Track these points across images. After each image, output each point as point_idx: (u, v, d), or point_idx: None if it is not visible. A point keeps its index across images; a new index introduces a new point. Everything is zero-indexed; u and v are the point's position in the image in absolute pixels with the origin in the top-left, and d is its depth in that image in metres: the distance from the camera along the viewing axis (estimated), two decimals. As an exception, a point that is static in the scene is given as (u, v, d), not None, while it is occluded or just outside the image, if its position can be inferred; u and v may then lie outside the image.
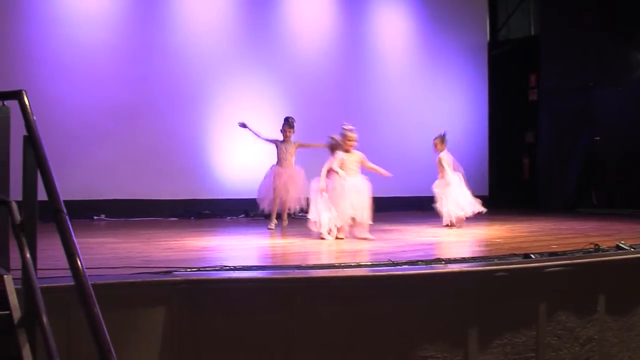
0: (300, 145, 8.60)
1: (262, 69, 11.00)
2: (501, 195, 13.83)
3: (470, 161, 13.29)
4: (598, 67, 12.62)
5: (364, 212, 7.34)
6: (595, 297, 5.55)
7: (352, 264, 5.30)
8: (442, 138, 9.52)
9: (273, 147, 8.66)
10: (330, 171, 7.47)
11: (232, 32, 10.92)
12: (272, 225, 8.45)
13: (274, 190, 8.41)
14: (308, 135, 8.60)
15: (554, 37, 13.20)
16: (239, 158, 10.69)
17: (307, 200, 7.82)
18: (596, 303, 5.54)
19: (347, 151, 7.56)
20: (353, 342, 4.57)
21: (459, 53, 13.39)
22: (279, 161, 8.55)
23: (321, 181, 7.37)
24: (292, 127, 8.52)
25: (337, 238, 7.31)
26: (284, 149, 8.52)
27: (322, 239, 7.24)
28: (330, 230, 7.34)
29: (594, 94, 12.75)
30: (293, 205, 8.47)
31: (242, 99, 10.77)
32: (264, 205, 8.57)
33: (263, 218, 10.07)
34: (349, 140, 7.53)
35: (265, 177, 8.57)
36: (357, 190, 7.38)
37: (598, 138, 12.69)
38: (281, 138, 8.59)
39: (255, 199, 10.36)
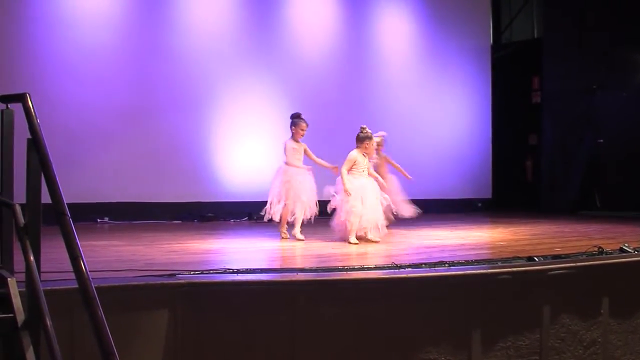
0: (306, 152, 7.83)
1: (265, 71, 11.00)
2: (504, 197, 13.84)
3: (473, 163, 13.33)
4: (601, 70, 12.60)
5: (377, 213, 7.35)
6: (599, 299, 5.55)
7: (356, 267, 5.29)
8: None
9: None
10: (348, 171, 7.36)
11: (236, 35, 10.92)
12: (286, 233, 7.72)
13: (289, 193, 7.59)
14: (310, 137, 8.47)
15: (557, 39, 13.18)
16: (242, 161, 10.71)
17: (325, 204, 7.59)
18: (600, 306, 5.54)
19: (368, 153, 7.53)
20: (356, 344, 4.57)
21: (462, 55, 13.39)
22: (294, 161, 7.72)
23: (345, 183, 7.22)
24: (307, 123, 7.82)
25: (373, 241, 7.26)
26: (298, 149, 7.76)
27: (350, 243, 7.17)
28: (364, 230, 7.29)
29: (597, 97, 12.73)
30: (311, 210, 7.66)
31: (246, 101, 10.79)
32: (275, 213, 7.59)
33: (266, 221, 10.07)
34: (369, 145, 7.46)
35: (278, 180, 7.71)
36: (374, 191, 7.39)
37: (601, 140, 12.67)
38: (288, 136, 7.85)
39: (257, 201, 10.41)
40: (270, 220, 7.64)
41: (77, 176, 8.96)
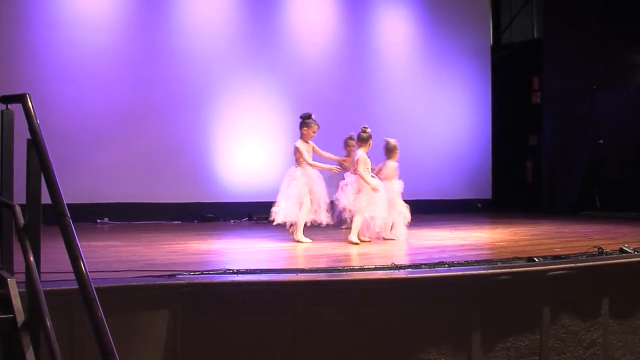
0: (315, 149, 7.64)
1: (265, 72, 11.00)
2: (504, 198, 13.84)
3: (473, 164, 13.32)
4: (601, 70, 12.60)
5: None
6: (599, 300, 5.54)
7: (356, 268, 5.29)
8: None
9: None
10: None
11: (235, 35, 10.93)
12: (306, 238, 7.40)
13: (310, 196, 7.36)
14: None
15: (557, 39, 13.19)
16: (242, 161, 10.71)
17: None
18: (600, 306, 5.54)
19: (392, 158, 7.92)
20: (356, 345, 4.57)
21: (462, 56, 13.39)
22: (307, 164, 7.43)
23: (370, 181, 7.27)
24: (318, 125, 7.58)
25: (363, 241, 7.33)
26: (309, 150, 7.48)
27: (352, 242, 7.18)
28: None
29: (597, 97, 12.73)
30: (325, 214, 7.44)
31: (246, 102, 10.79)
32: (291, 217, 7.35)
33: (266, 221, 10.04)
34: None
35: (298, 182, 7.35)
36: (384, 191, 7.49)
37: (601, 141, 12.67)
38: (290, 136, 7.83)
39: (257, 202, 10.36)
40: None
41: (76, 177, 8.96)
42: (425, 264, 5.47)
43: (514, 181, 14.20)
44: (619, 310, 5.63)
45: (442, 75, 13.16)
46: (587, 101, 12.80)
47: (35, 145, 3.30)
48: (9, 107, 3.69)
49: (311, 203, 7.34)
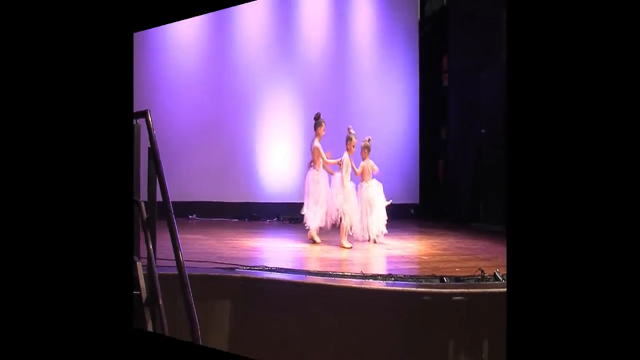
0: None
1: (294, 74, 6.74)
2: (428, 203, 6.80)
3: (402, 164, 7.23)
4: (485, 50, 5.91)
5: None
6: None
7: (344, 274, 3.51)
8: None
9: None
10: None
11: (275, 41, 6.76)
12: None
13: (325, 198, 4.77)
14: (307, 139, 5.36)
15: (461, 7, 6.40)
16: (277, 163, 7.06)
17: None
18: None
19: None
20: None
21: (393, 35, 6.96)
22: (320, 165, 4.86)
23: (346, 185, 4.69)
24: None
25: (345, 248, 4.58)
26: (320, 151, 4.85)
27: (344, 247, 4.57)
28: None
29: (482, 79, 6.01)
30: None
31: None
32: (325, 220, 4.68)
33: (289, 222, 6.78)
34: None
35: (324, 184, 4.80)
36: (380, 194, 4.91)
37: (483, 130, 6.00)
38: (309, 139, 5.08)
39: (283, 202, 7.15)
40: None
41: (171, 179, 6.80)
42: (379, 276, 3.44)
43: (427, 183, 6.92)
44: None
45: (376, 62, 6.89)
46: (475, 82, 6.13)
47: (153, 153, 2.71)
48: (136, 121, 2.92)
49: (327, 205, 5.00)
